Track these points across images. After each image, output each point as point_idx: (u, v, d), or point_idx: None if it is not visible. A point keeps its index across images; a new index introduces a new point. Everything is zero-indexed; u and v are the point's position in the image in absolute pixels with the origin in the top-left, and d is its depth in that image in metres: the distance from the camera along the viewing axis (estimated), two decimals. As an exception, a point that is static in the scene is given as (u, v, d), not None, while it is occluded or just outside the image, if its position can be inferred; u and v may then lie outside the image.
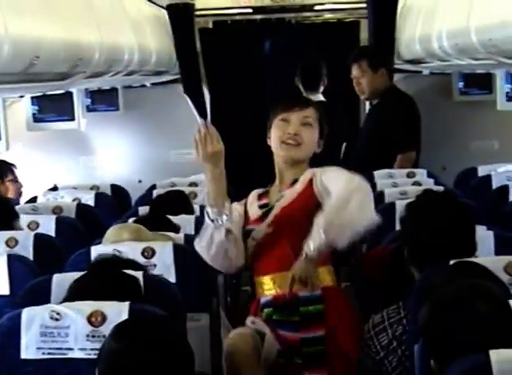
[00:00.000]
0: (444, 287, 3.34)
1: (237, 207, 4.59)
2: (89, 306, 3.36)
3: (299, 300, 4.40)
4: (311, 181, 4.51)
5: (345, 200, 4.30)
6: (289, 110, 4.56)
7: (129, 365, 2.79)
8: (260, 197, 4.63)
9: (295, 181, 4.53)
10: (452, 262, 3.58)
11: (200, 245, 4.43)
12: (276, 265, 4.48)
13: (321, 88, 7.72)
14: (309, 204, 4.46)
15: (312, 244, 4.25)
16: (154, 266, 4.45)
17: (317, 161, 4.69)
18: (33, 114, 6.59)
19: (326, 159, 4.70)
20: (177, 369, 2.83)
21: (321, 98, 7.53)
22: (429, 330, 3.06)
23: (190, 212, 6.00)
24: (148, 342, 2.85)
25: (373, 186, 6.63)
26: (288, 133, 4.48)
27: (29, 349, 3.35)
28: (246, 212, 4.60)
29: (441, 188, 6.25)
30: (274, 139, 4.56)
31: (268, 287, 4.51)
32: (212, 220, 4.31)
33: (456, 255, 3.67)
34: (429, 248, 3.90)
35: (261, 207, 4.58)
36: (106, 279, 3.68)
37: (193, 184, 7.19)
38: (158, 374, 2.80)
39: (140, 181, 8.25)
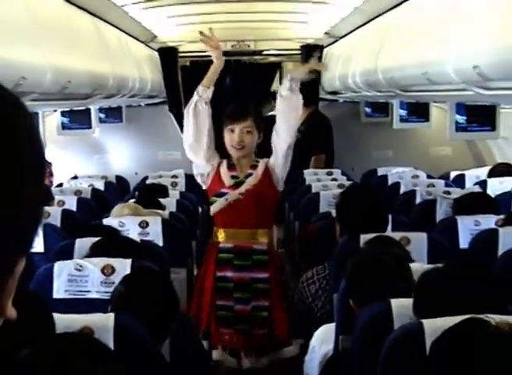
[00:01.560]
0: (362, 251, 3.38)
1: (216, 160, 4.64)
2: (103, 261, 3.35)
3: (253, 250, 4.52)
4: (267, 170, 4.59)
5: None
6: (234, 122, 4.59)
7: (131, 304, 2.82)
8: (230, 168, 4.62)
9: (254, 166, 4.63)
10: (363, 235, 3.60)
11: (186, 110, 4.64)
12: (239, 223, 4.58)
13: None
14: (270, 187, 4.58)
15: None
16: (148, 233, 4.41)
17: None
18: (62, 123, 6.48)
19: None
20: (166, 307, 2.86)
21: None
22: (351, 280, 3.08)
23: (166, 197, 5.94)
24: (146, 288, 2.91)
25: (303, 181, 6.68)
26: (234, 141, 4.54)
27: (59, 291, 3.35)
28: (219, 175, 4.61)
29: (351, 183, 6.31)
30: (226, 143, 4.62)
31: (227, 237, 4.61)
32: (200, 96, 4.59)
33: (373, 229, 3.70)
34: (355, 224, 3.89)
35: (232, 177, 4.59)
36: (115, 242, 3.67)
37: (175, 176, 7.14)
38: (151, 310, 2.82)
39: (136, 173, 8.16)
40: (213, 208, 4.62)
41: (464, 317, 2.12)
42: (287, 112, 4.54)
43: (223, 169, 4.61)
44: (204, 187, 4.73)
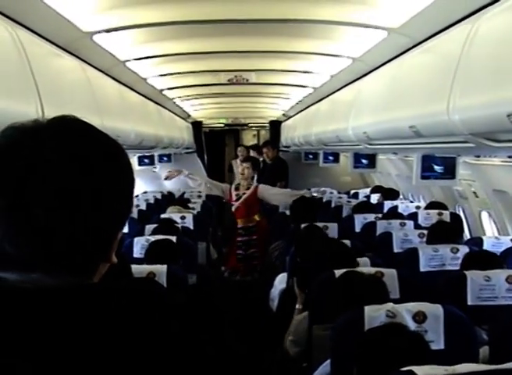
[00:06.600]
0: (302, 231, 3.37)
1: (228, 187, 5.16)
2: (160, 237, 3.27)
3: (249, 227, 5.06)
4: (255, 190, 5.04)
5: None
6: (242, 162, 5.24)
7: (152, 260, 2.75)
8: (236, 189, 5.13)
9: (249, 187, 5.06)
10: (302, 224, 3.60)
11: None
12: (240, 216, 5.04)
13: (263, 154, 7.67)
14: (254, 200, 5.03)
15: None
16: (185, 222, 4.35)
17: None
18: (139, 162, 5.99)
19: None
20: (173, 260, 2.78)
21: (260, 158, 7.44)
22: (297, 245, 3.06)
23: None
24: (157, 250, 2.88)
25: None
26: (240, 171, 5.13)
27: (137, 253, 3.29)
28: (231, 194, 5.12)
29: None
30: (236, 173, 5.32)
31: (240, 222, 5.09)
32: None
33: (308, 221, 3.68)
34: (298, 218, 3.85)
35: (236, 195, 5.05)
36: (167, 225, 3.66)
37: (199, 191, 7.05)
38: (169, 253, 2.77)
39: (179, 190, 8.02)
40: (233, 209, 5.09)
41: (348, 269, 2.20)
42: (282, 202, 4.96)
43: (233, 191, 5.12)
44: (224, 199, 5.32)
